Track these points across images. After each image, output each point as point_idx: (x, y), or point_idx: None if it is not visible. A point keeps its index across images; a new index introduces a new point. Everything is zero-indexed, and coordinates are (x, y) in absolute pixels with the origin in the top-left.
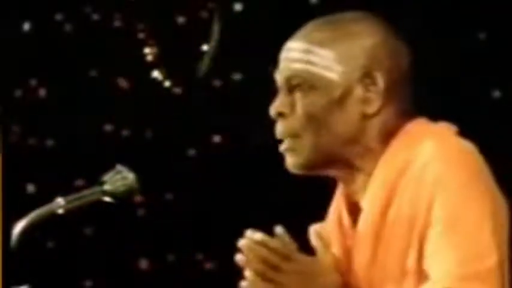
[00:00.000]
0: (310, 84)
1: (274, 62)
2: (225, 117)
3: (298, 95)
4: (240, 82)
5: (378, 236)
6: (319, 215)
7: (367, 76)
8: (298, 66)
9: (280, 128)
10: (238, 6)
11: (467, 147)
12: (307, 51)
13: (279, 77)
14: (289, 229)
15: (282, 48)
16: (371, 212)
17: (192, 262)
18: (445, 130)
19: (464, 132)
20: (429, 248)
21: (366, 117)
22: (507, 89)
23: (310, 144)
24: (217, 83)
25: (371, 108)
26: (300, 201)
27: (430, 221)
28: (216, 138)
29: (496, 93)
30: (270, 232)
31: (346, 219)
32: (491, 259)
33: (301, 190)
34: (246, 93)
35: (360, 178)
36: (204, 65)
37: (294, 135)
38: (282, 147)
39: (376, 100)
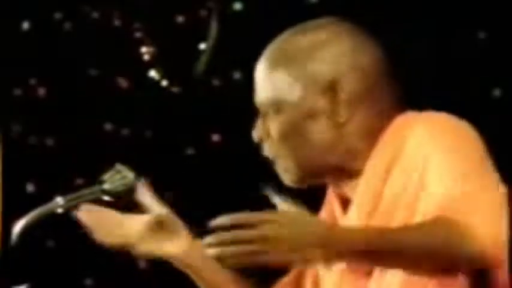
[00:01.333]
0: (275, 108)
1: None
2: (224, 116)
3: (269, 120)
4: (239, 81)
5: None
6: (318, 213)
7: (328, 89)
8: (262, 95)
9: (265, 152)
10: (237, 5)
11: (460, 122)
12: (265, 78)
13: (255, 101)
14: None
15: None
16: (363, 201)
17: None
18: (433, 113)
19: None
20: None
21: (338, 125)
22: (507, 88)
23: (293, 162)
24: (216, 82)
25: (341, 118)
26: (300, 201)
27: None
28: (215, 138)
29: (497, 92)
30: None
31: (339, 212)
32: (488, 193)
33: (301, 190)
34: (245, 92)
35: (351, 178)
36: (202, 64)
37: (276, 157)
38: (276, 168)
39: (343, 109)
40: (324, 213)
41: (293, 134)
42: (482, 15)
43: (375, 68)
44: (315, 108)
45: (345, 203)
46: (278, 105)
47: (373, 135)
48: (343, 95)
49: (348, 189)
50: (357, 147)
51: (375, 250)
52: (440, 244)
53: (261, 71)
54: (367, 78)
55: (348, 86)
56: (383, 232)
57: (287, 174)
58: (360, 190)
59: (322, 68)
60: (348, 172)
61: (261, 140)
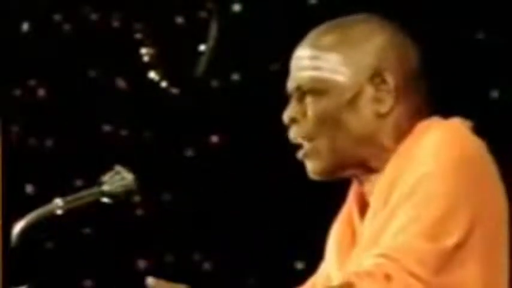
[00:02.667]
0: (319, 89)
1: (273, 62)
2: (223, 117)
3: (309, 101)
4: (239, 82)
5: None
6: (318, 213)
7: (376, 76)
8: (306, 73)
9: (294, 133)
10: (237, 7)
11: (473, 143)
12: (313, 58)
13: (290, 85)
14: (288, 229)
15: (282, 49)
16: (374, 209)
17: (190, 262)
18: (456, 123)
19: None
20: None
21: (379, 116)
22: (505, 90)
23: (327, 147)
24: (215, 83)
25: (384, 108)
26: (299, 201)
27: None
28: (214, 139)
29: (494, 94)
30: (269, 233)
31: (357, 218)
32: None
33: (301, 190)
34: (244, 93)
35: (374, 178)
36: (202, 65)
37: (309, 139)
38: (300, 154)
39: (388, 99)
40: (344, 214)
41: (333, 118)
42: (481, 15)
43: (414, 65)
44: (360, 93)
45: (364, 206)
46: (323, 86)
47: (403, 135)
48: (390, 85)
49: (370, 187)
50: (387, 146)
51: None
52: None
53: (309, 51)
54: (409, 73)
55: (394, 78)
56: None
57: (317, 160)
58: (372, 204)
59: (372, 56)
60: (371, 170)
61: (293, 121)
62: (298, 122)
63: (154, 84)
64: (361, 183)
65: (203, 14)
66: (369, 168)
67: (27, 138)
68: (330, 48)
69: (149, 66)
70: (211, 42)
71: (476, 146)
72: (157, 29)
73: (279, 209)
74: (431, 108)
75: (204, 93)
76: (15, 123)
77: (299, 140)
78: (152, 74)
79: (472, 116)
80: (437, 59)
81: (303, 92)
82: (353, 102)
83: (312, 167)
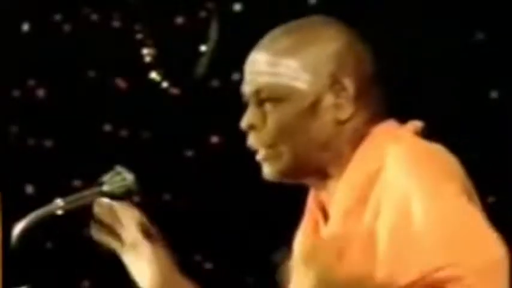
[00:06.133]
0: (278, 96)
1: None
2: (223, 117)
3: (268, 107)
4: (239, 82)
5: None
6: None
7: (335, 82)
8: (264, 79)
9: (253, 140)
10: (237, 7)
11: (432, 148)
12: (272, 63)
13: (247, 89)
14: (288, 228)
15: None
16: (336, 216)
17: (191, 262)
18: (409, 132)
19: (462, 132)
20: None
21: (339, 123)
22: (505, 90)
23: (288, 153)
24: (215, 83)
25: (344, 114)
26: (299, 200)
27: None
28: (214, 139)
29: (494, 94)
30: (269, 233)
31: (321, 222)
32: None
33: (301, 190)
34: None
35: (330, 185)
36: (202, 66)
37: (270, 146)
38: (259, 157)
39: (348, 106)
40: (306, 223)
41: (293, 125)
42: (480, 15)
43: (372, 71)
44: (319, 100)
45: (325, 212)
46: (282, 93)
47: (359, 140)
48: (350, 91)
49: (326, 194)
50: (343, 152)
51: None
52: None
53: (267, 55)
54: (367, 79)
55: (353, 84)
56: None
57: (273, 164)
58: (332, 211)
59: (331, 62)
60: (327, 176)
61: (252, 127)
62: (258, 129)
63: (155, 84)
64: (317, 189)
65: (203, 14)
66: (325, 175)
67: (26, 138)
68: (288, 53)
69: (149, 66)
70: (211, 42)
71: (438, 150)
72: (158, 29)
73: (279, 208)
74: (389, 112)
75: (204, 93)
76: (14, 123)
77: (258, 147)
78: (152, 74)
79: (472, 116)
80: (437, 59)
81: (261, 98)
82: (313, 109)
83: (269, 171)
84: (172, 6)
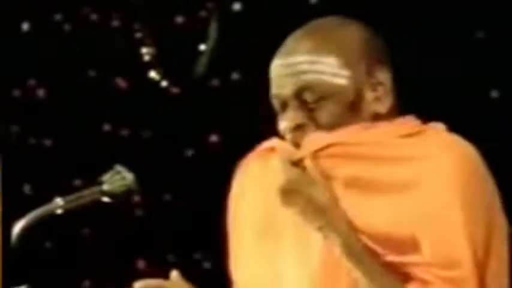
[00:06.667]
0: (322, 93)
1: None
2: (223, 117)
3: (313, 106)
4: (238, 82)
5: None
6: None
7: (371, 77)
8: (308, 78)
9: (302, 140)
10: (237, 6)
11: (470, 154)
12: (311, 62)
13: (286, 91)
14: None
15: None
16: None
17: (191, 262)
18: (459, 140)
19: (462, 132)
20: None
21: (377, 116)
22: (505, 89)
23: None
24: (215, 82)
25: (383, 107)
26: None
27: None
28: (214, 138)
29: (494, 94)
30: None
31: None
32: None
33: None
34: (244, 93)
35: None
36: (202, 65)
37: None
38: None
39: (386, 98)
40: None
41: (340, 121)
42: (480, 15)
43: (391, 66)
44: (360, 94)
45: None
46: (328, 90)
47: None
48: (387, 85)
49: None
50: None
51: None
52: None
53: (300, 57)
54: (391, 72)
55: (386, 77)
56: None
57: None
58: None
59: (363, 57)
60: None
61: (299, 127)
62: (306, 128)
63: (155, 83)
64: None
65: (203, 13)
66: None
67: (26, 137)
68: (323, 52)
69: (149, 66)
70: (211, 41)
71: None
72: (157, 28)
73: None
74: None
75: (204, 92)
76: (15, 123)
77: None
78: (152, 74)
79: (472, 116)
80: (438, 58)
81: (302, 99)
82: (355, 104)
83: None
84: (172, 6)
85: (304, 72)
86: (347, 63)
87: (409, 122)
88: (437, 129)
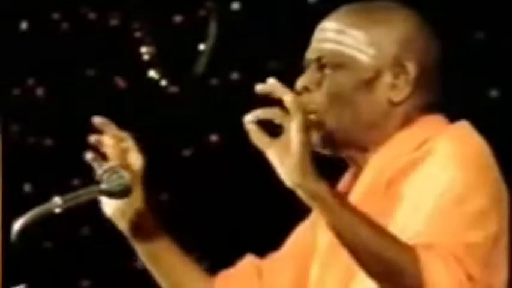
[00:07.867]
0: (339, 63)
1: (272, 61)
2: (222, 116)
3: (326, 73)
4: (238, 81)
5: None
6: None
7: (398, 64)
8: (329, 45)
9: (303, 101)
10: (236, 5)
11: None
12: (339, 32)
13: (309, 55)
14: (286, 228)
15: (282, 47)
16: (358, 192)
17: None
18: (462, 129)
19: None
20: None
21: (391, 104)
22: (505, 88)
23: (333, 121)
24: (214, 82)
25: (398, 96)
26: (299, 200)
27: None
28: (213, 138)
29: (494, 93)
30: (268, 232)
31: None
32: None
33: None
34: (243, 92)
35: (370, 159)
36: (201, 64)
37: (318, 111)
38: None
39: (404, 88)
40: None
41: (347, 96)
42: (480, 15)
43: (435, 59)
44: (378, 76)
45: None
46: (344, 61)
47: (406, 124)
48: (410, 75)
49: (362, 162)
50: (391, 131)
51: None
52: (397, 262)
53: (335, 24)
54: (428, 67)
55: (415, 69)
56: (356, 212)
57: (317, 132)
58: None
59: (397, 43)
60: (369, 154)
61: (305, 89)
62: (311, 92)
63: (153, 83)
64: (355, 165)
65: (202, 13)
66: (365, 152)
67: (26, 137)
68: (357, 26)
69: (148, 65)
70: (210, 40)
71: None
72: (156, 27)
73: (279, 208)
74: (441, 104)
75: (204, 92)
76: (14, 122)
77: (307, 109)
78: (151, 73)
79: (472, 116)
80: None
81: (321, 64)
82: (369, 84)
83: (311, 138)
84: (171, 5)
85: (328, 39)
86: (374, 42)
87: (419, 131)
88: (445, 136)
